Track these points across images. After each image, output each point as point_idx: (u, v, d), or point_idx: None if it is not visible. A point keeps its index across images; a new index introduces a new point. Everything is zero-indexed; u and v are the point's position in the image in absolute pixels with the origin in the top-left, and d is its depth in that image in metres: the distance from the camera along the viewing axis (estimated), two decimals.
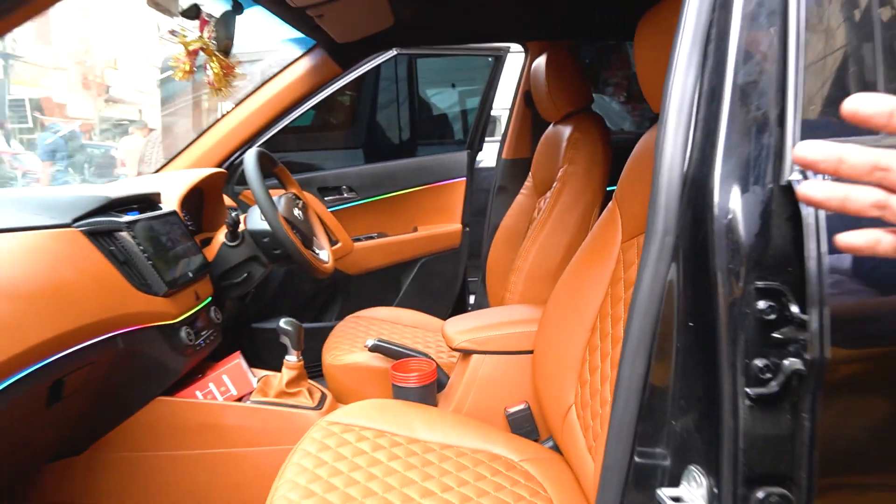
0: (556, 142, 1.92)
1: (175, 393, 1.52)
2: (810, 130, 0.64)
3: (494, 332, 1.56)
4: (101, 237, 1.36)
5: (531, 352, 1.50)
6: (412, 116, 3.44)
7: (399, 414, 1.40)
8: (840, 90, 0.66)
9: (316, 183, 2.50)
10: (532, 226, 1.88)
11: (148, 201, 1.62)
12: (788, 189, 0.62)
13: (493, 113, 2.92)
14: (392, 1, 1.78)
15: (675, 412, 0.71)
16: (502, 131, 2.84)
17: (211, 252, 1.80)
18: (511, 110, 2.67)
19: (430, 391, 1.57)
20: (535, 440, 1.50)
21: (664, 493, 0.70)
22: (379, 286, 2.56)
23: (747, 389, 0.63)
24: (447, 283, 2.65)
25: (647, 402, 0.74)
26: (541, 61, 1.93)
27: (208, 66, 1.56)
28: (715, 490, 0.65)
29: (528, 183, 2.17)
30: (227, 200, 2.17)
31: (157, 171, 2.23)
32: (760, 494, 0.64)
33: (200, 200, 1.99)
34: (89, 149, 9.37)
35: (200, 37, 1.51)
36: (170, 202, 1.72)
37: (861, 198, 0.46)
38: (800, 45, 0.65)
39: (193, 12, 1.50)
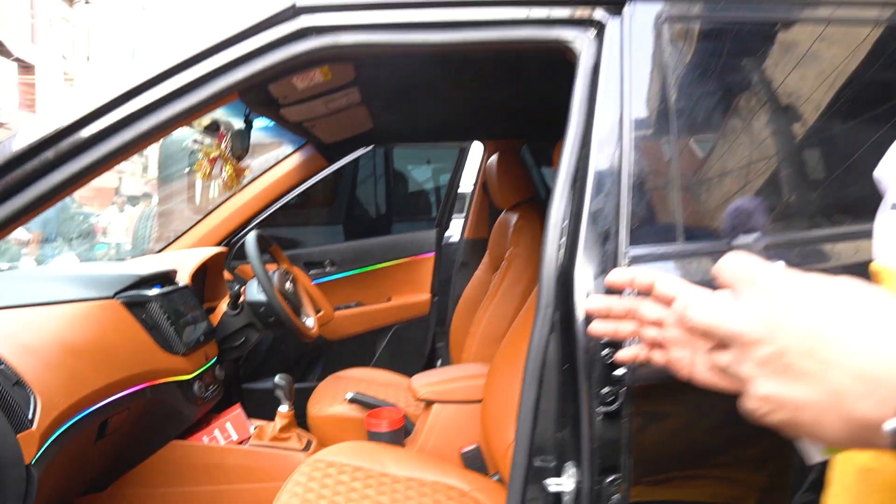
0: (505, 226, 2.32)
1: (187, 437, 1.83)
2: (633, 242, 1.01)
3: (451, 384, 1.90)
4: (136, 307, 1.70)
5: (481, 401, 1.83)
6: (388, 194, 3.83)
7: (373, 453, 1.72)
8: (651, 216, 1.04)
9: (303, 258, 2.86)
10: (485, 297, 2.25)
11: (167, 277, 1.96)
12: None
13: (461, 190, 3.33)
14: (371, 111, 2.19)
15: (557, 427, 1.06)
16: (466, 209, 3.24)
17: (215, 319, 2.13)
18: (472, 196, 3.08)
19: (399, 435, 1.90)
20: (485, 474, 1.82)
21: (550, 482, 1.03)
22: (356, 349, 2.88)
23: (599, 409, 0.98)
24: (417, 347, 2.98)
25: (539, 423, 1.09)
26: (494, 158, 2.34)
27: (223, 170, 1.94)
28: (580, 479, 0.99)
29: (486, 259, 2.55)
30: (226, 273, 2.51)
31: (166, 246, 2.58)
32: (608, 480, 0.98)
33: (204, 274, 2.33)
34: (78, 217, 9.62)
35: (219, 146, 1.89)
36: (183, 277, 2.06)
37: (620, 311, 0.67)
38: (630, 187, 1.03)
39: (213, 127, 1.88)
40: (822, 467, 0.62)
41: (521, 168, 2.31)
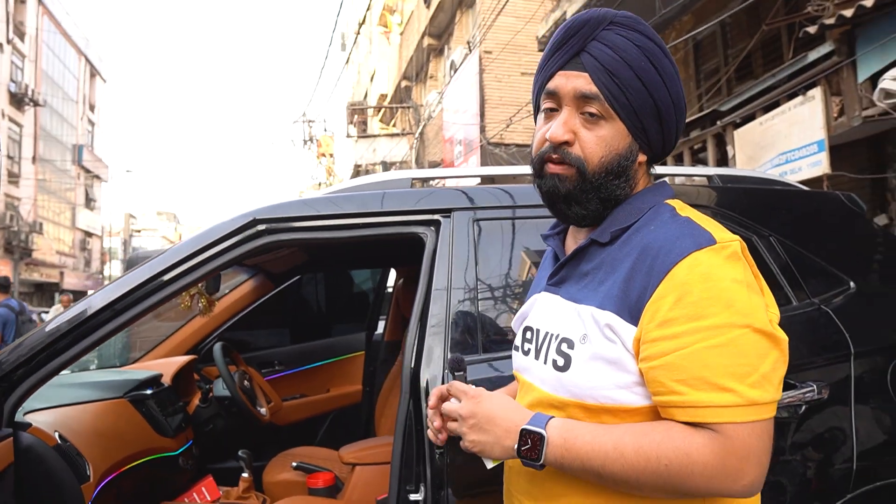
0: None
1: (173, 499, 2.48)
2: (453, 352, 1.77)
3: (370, 451, 2.61)
4: (138, 403, 2.38)
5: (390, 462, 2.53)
6: (329, 300, 4.55)
7: None
8: (464, 339, 1.81)
9: (256, 360, 3.55)
10: (396, 385, 2.99)
11: (156, 380, 2.65)
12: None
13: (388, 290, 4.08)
14: (308, 253, 2.98)
15: (417, 461, 1.79)
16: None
17: (190, 409, 2.81)
18: (390, 307, 3.85)
19: (332, 491, 2.58)
20: None
21: (411, 496, 1.75)
22: (301, 432, 3.54)
23: (436, 452, 1.72)
24: (352, 429, 3.65)
25: (407, 462, 1.81)
26: (401, 281, 3.14)
27: (199, 302, 2.67)
28: (426, 493, 1.71)
29: (400, 357, 3.30)
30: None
31: (145, 355, 3.25)
32: (440, 493, 1.71)
33: (179, 375, 3.01)
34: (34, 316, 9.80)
35: (197, 287, 2.62)
36: (166, 379, 2.75)
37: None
38: (451, 322, 1.81)
39: None
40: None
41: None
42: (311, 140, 21.52)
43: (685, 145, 6.90)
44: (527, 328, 1.17)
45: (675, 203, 1.05)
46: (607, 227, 1.05)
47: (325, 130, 22.28)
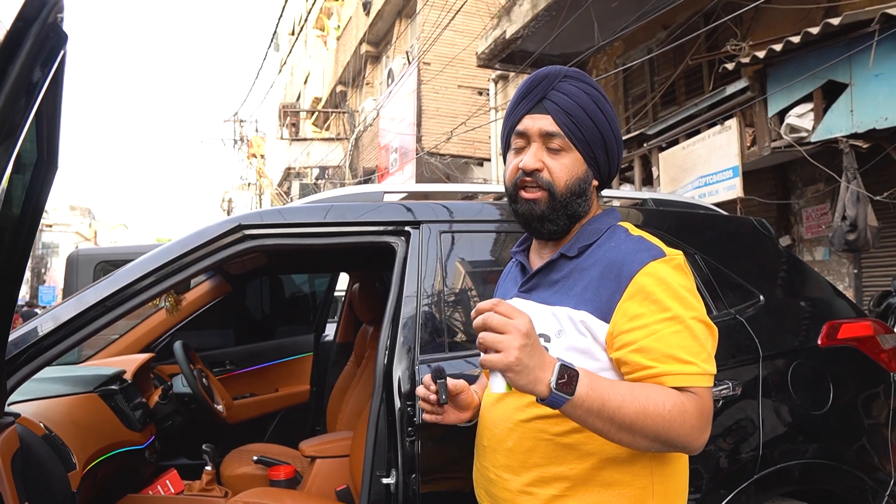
0: (365, 334, 3.28)
1: (139, 491, 2.58)
2: (422, 352, 1.98)
3: (328, 445, 2.78)
4: (107, 398, 2.47)
5: (348, 455, 2.71)
6: (273, 302, 4.65)
7: (275, 495, 2.54)
8: (432, 339, 2.02)
9: (208, 359, 3.64)
10: (351, 384, 3.17)
11: (120, 377, 2.73)
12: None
13: (336, 293, 4.23)
14: (267, 255, 3.12)
15: (389, 449, 1.97)
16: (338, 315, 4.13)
17: (150, 405, 2.90)
18: (341, 310, 4.02)
19: (293, 483, 2.73)
20: None
21: (384, 480, 1.94)
22: (251, 430, 3.65)
23: (406, 439, 1.91)
24: (300, 427, 3.79)
25: (378, 449, 1.99)
26: (357, 285, 3.31)
27: (166, 301, 2.77)
28: (398, 477, 1.90)
29: (352, 358, 3.48)
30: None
31: (99, 351, 3.29)
32: (411, 477, 1.90)
33: (138, 373, 3.08)
34: None
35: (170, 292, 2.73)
36: (128, 376, 2.83)
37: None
38: (420, 323, 2.02)
39: None
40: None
41: (377, 292, 3.30)
42: (241, 140, 21.20)
43: None
44: None
45: (626, 225, 1.32)
46: (574, 244, 1.29)
47: (257, 131, 22.02)
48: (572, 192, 1.28)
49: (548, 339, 1.24)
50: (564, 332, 1.23)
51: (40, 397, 2.16)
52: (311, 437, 3.78)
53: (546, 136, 1.27)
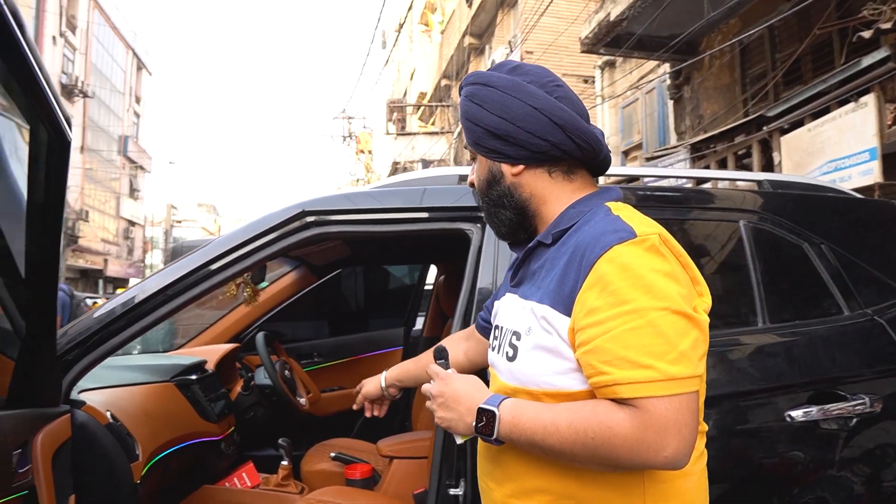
0: (450, 330, 3.10)
1: (215, 483, 2.53)
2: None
3: (407, 445, 2.63)
4: (184, 388, 2.44)
5: (426, 457, 2.55)
6: (367, 294, 4.59)
7: (349, 495, 2.42)
8: None
9: (296, 351, 3.60)
10: None
11: (200, 366, 2.71)
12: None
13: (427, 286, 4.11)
14: (350, 245, 3.01)
15: (458, 457, 1.80)
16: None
17: (232, 397, 2.87)
18: (429, 303, 3.87)
19: (369, 483, 2.61)
20: None
21: (451, 491, 1.76)
22: (338, 424, 3.58)
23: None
24: (388, 423, 3.68)
25: (447, 456, 1.82)
26: (442, 278, 3.15)
27: (245, 291, 2.72)
28: (466, 488, 1.72)
29: None
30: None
31: (189, 341, 3.32)
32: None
33: (222, 363, 3.07)
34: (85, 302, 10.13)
35: (243, 276, 2.68)
36: (210, 366, 2.81)
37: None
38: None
39: None
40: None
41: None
42: (350, 136, 21.69)
43: (729, 150, 6.79)
44: (495, 327, 1.31)
45: (613, 204, 1.17)
46: (549, 230, 1.20)
47: (365, 127, 22.46)
48: (484, 187, 1.28)
49: (518, 338, 1.17)
50: (532, 329, 1.14)
51: (114, 385, 2.14)
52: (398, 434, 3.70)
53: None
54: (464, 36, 15.64)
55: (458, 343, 1.67)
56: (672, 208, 2.06)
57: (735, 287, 2.05)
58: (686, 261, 1.09)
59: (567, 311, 1.07)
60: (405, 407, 3.73)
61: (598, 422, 0.99)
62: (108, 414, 1.89)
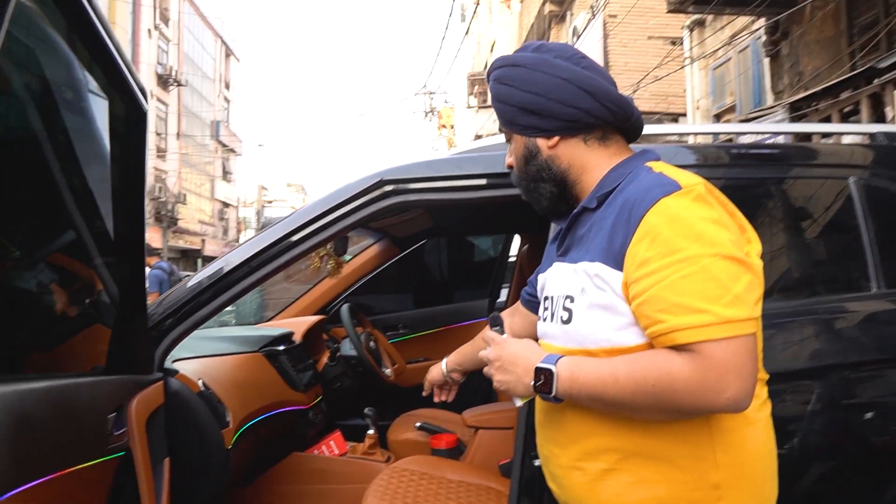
0: None
1: (304, 450, 2.59)
2: None
3: (492, 415, 2.60)
4: (272, 358, 2.49)
5: (513, 428, 2.51)
6: (451, 266, 4.58)
7: (435, 464, 2.42)
8: None
9: (381, 323, 3.64)
10: None
11: (288, 338, 2.76)
12: None
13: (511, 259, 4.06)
14: (432, 216, 2.98)
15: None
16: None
17: (319, 367, 2.92)
18: (513, 274, 3.81)
19: (454, 453, 2.61)
20: None
21: (536, 462, 1.71)
22: (426, 396, 3.59)
23: None
24: (473, 394, 3.66)
25: (531, 427, 1.77)
26: (526, 248, 3.09)
27: (328, 263, 2.76)
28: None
29: None
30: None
31: (278, 314, 3.41)
32: None
33: (309, 334, 3.12)
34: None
35: (325, 248, 2.71)
36: (297, 337, 2.86)
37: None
38: None
39: None
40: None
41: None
42: (431, 112, 21.73)
43: (833, 108, 6.32)
44: (545, 298, 1.31)
45: (653, 164, 1.19)
46: (594, 195, 1.21)
47: (446, 102, 22.44)
48: (521, 164, 1.29)
49: (572, 301, 1.18)
50: (585, 289, 1.15)
51: (205, 355, 2.21)
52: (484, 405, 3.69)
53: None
54: (544, 4, 15.27)
55: (504, 319, 1.69)
56: (771, 166, 1.92)
57: (841, 250, 1.89)
58: (732, 209, 1.12)
59: (619, 266, 1.09)
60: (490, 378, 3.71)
61: (658, 369, 1.01)
62: (200, 382, 1.95)
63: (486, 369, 1.23)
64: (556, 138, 1.24)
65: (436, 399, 1.89)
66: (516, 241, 4.10)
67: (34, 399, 0.94)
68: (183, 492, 1.72)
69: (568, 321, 1.18)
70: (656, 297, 1.02)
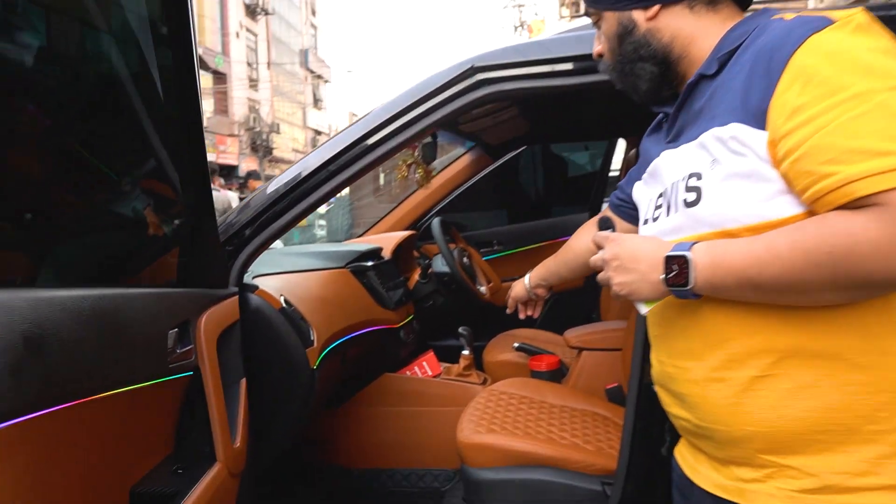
0: None
1: (395, 371, 2.46)
2: None
3: (597, 336, 2.37)
4: (359, 274, 2.33)
5: (621, 349, 2.28)
6: (546, 181, 4.29)
7: (535, 387, 2.23)
8: None
9: (475, 239, 3.42)
10: None
11: (376, 253, 2.60)
12: None
13: (613, 173, 3.74)
14: (528, 120, 2.69)
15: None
16: None
17: (410, 285, 2.75)
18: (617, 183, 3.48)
19: (555, 375, 2.40)
20: (624, 407, 2.26)
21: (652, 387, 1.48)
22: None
23: None
24: (574, 313, 3.44)
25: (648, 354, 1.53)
26: (633, 152, 2.75)
27: (416, 172, 2.54)
28: None
29: None
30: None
31: (367, 230, 3.25)
32: None
33: (399, 251, 2.95)
34: None
35: (413, 155, 2.49)
36: (386, 253, 2.70)
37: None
38: None
39: None
40: None
41: None
42: (521, 26, 20.83)
43: None
44: (659, 195, 1.10)
45: (784, 14, 0.95)
46: (712, 59, 1.00)
47: (536, 15, 21.42)
48: (615, 45, 1.12)
49: (700, 178, 0.95)
50: (718, 160, 0.92)
51: (288, 271, 2.07)
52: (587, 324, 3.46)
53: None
54: None
55: (586, 231, 1.55)
56: None
57: None
58: None
59: (760, 125, 0.87)
60: (592, 298, 3.46)
61: (833, 233, 0.79)
62: (282, 299, 1.80)
63: (601, 275, 1.04)
64: (656, 7, 1.05)
65: (521, 316, 1.80)
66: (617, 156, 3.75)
67: (58, 310, 0.78)
68: (265, 415, 1.61)
69: (695, 202, 0.95)
70: (820, 146, 0.80)
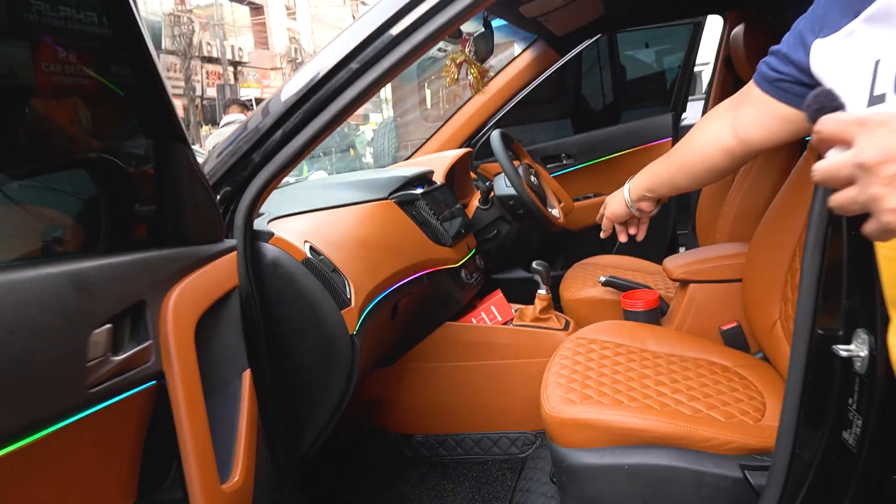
0: None
1: (457, 319, 2.05)
2: None
3: (707, 264, 1.89)
4: (406, 205, 1.90)
5: (739, 280, 1.80)
6: (614, 83, 3.72)
7: (632, 331, 1.79)
8: None
9: (539, 153, 2.93)
10: (737, 175, 2.16)
11: (426, 178, 2.15)
12: None
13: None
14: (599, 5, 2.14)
15: (847, 293, 1.03)
16: (704, 90, 3.05)
17: (469, 213, 2.31)
18: (713, 75, 2.89)
19: (655, 315, 1.95)
20: (747, 352, 1.81)
21: (839, 349, 1.02)
22: (596, 239, 2.92)
23: None
24: (658, 234, 2.95)
25: (824, 291, 1.06)
26: (739, 30, 2.18)
27: (469, 73, 2.04)
28: (874, 345, 0.97)
29: None
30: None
31: (415, 152, 2.80)
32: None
33: (453, 173, 2.50)
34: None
35: (464, 52, 1.99)
36: (438, 177, 2.24)
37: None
38: None
39: (456, 34, 1.98)
40: None
41: (771, 37, 2.12)
42: None
43: None
44: (877, 62, 0.69)
45: None
46: None
47: None
48: None
49: None
50: None
51: (315, 209, 1.65)
52: (672, 250, 2.96)
53: None
54: None
55: (715, 122, 1.20)
56: None
57: None
58: None
59: None
60: (680, 216, 2.95)
61: None
62: (307, 247, 1.39)
63: (841, 194, 0.60)
64: None
65: (621, 238, 1.53)
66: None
67: None
68: (293, 408, 1.22)
69: None
70: None
